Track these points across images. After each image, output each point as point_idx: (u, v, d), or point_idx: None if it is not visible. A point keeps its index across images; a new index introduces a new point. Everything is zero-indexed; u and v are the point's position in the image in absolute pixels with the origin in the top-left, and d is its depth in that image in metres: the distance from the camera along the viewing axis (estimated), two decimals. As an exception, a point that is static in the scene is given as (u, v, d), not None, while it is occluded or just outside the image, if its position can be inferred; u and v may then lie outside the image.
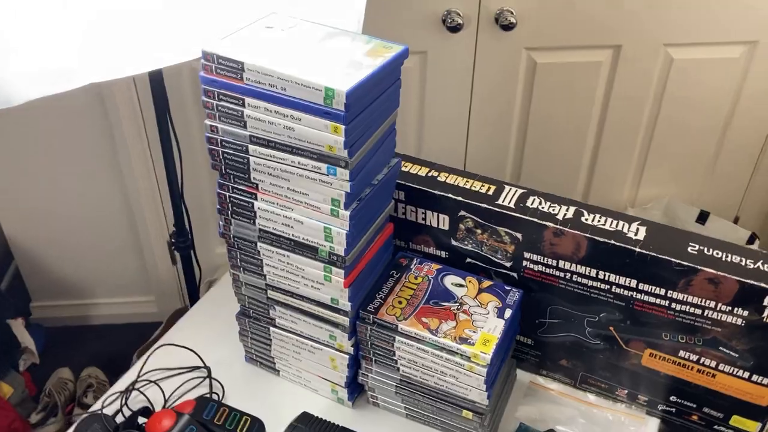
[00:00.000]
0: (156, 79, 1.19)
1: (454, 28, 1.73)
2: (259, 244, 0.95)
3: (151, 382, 1.08)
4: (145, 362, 1.10)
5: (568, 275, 0.97)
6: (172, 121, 1.25)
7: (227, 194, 0.92)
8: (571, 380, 1.09)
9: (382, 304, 0.98)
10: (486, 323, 0.95)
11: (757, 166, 2.05)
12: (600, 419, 1.05)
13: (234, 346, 1.14)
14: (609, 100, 1.90)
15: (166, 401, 1.06)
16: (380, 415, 1.07)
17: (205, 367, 1.11)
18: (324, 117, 0.77)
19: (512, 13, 1.73)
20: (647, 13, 1.76)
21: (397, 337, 0.95)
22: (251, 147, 0.85)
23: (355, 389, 1.07)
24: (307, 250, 0.91)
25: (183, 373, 1.10)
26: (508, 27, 1.74)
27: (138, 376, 1.09)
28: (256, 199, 0.90)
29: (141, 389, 1.08)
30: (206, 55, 0.81)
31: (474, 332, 0.94)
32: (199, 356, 1.11)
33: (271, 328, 1.05)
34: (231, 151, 0.87)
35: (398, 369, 0.99)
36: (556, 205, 0.98)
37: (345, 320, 0.97)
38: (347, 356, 1.01)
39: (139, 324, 2.28)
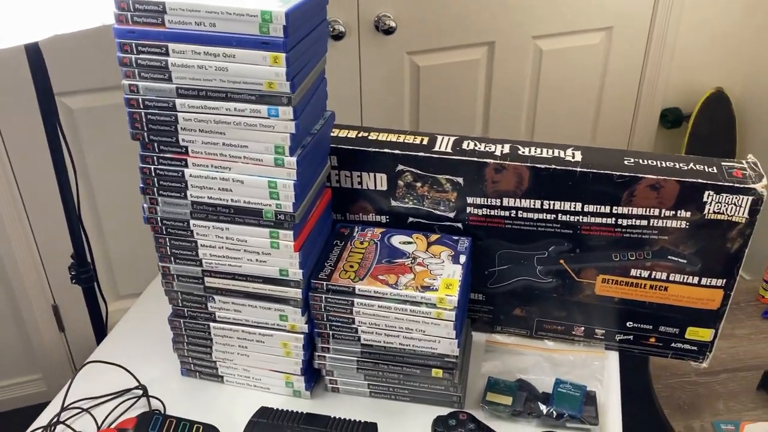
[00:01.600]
0: (41, 81, 1.08)
1: (337, 36, 1.74)
2: (192, 222, 0.87)
3: (83, 410, 0.94)
4: (67, 391, 0.96)
5: (513, 212, 0.97)
6: (62, 129, 1.14)
7: (152, 167, 0.83)
8: (527, 330, 1.07)
9: (333, 271, 0.92)
10: (444, 270, 0.92)
11: (631, 141, 2.20)
12: (563, 361, 1.03)
13: (167, 361, 1.03)
14: (490, 94, 1.97)
15: (99, 429, 0.92)
16: (342, 400, 0.99)
17: (141, 385, 0.98)
18: (261, 48, 0.72)
19: (390, 17, 1.77)
20: (515, 9, 1.87)
21: (356, 300, 0.89)
22: (179, 101, 0.78)
23: (312, 377, 0.99)
24: (250, 215, 0.84)
25: (114, 397, 0.97)
26: (388, 31, 1.77)
27: (62, 408, 0.94)
28: (186, 165, 0.82)
29: (67, 422, 0.93)
30: (120, 2, 0.74)
31: (434, 279, 0.90)
32: (132, 374, 0.98)
33: (211, 325, 0.95)
34: (155, 111, 0.79)
35: (359, 339, 0.93)
36: (491, 144, 0.97)
37: (297, 293, 0.89)
38: (302, 336, 0.93)
39: (26, 408, 2.02)
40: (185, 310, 0.95)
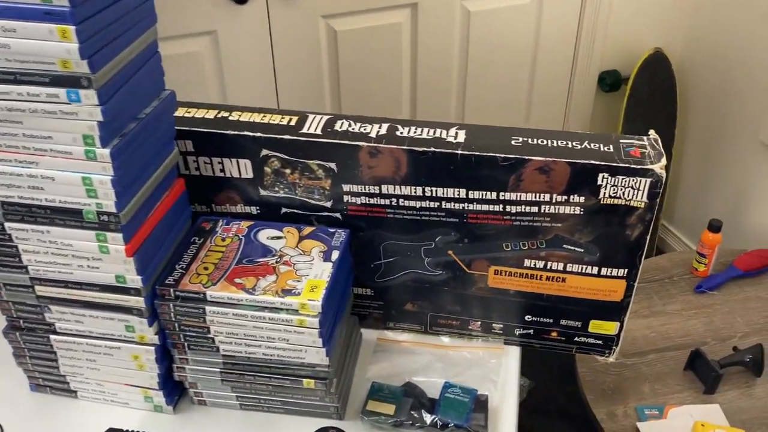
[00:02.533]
0: None
1: (241, 0, 1.60)
2: (7, 225, 0.74)
3: None
4: None
5: (394, 201, 0.86)
6: None
7: (-53, 163, 0.71)
8: (421, 326, 0.98)
9: (184, 275, 0.80)
10: (311, 270, 0.81)
11: (568, 106, 2.10)
12: (458, 360, 0.94)
13: (15, 376, 0.91)
14: (417, 61, 1.85)
15: None
16: (210, 414, 0.89)
17: (-26, 406, 0.86)
18: (45, 20, 0.60)
19: (300, -23, 1.63)
20: (436, -33, 1.74)
21: (208, 308, 0.78)
22: (-40, 86, 0.65)
23: (174, 390, 0.88)
24: (69, 216, 0.72)
25: (-57, 421, 0.85)
26: (298, -7, 1.63)
27: None
28: (-14, 161, 0.70)
29: None
30: None
31: (298, 281, 0.79)
32: (-38, 394, 0.87)
33: (52, 337, 0.84)
34: (-66, 98, 0.66)
35: (218, 349, 0.82)
36: (367, 124, 0.86)
37: (139, 301, 0.78)
38: (153, 348, 0.82)
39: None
40: (21, 321, 0.84)
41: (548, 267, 0.87)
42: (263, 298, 0.77)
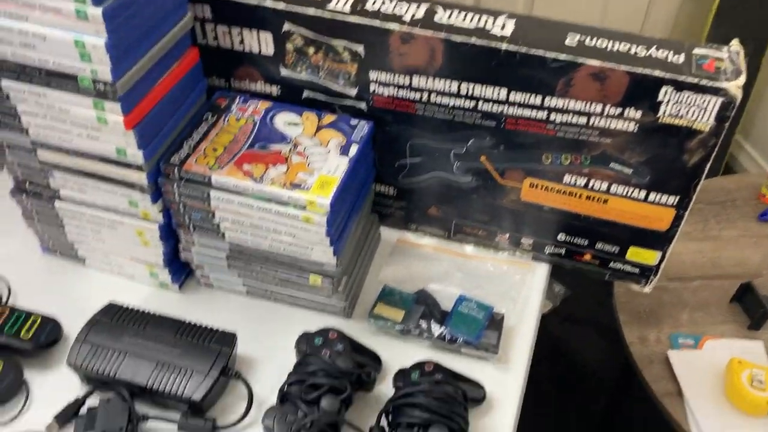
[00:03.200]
0: None
1: None
2: (3, 82, 0.69)
3: None
4: None
5: (426, 96, 0.77)
6: None
7: (-63, 10, 0.65)
8: (445, 231, 0.91)
9: (191, 154, 0.75)
10: (325, 164, 0.74)
11: (650, 4, 1.89)
12: (480, 271, 0.88)
13: (27, 235, 0.90)
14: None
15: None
16: (216, 296, 0.86)
17: (-17, 264, 0.86)
18: None
19: None
20: None
21: (212, 192, 0.73)
22: None
23: (181, 269, 0.86)
24: (65, 80, 0.66)
25: (-50, 275, 0.85)
26: None
27: None
28: (-25, 10, 0.63)
29: None
30: None
31: (310, 175, 0.73)
32: (-30, 251, 0.86)
33: (57, 203, 0.81)
34: None
35: (223, 235, 0.78)
36: (403, 3, 0.76)
37: (141, 177, 0.73)
38: (156, 226, 0.78)
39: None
40: (26, 183, 0.81)
41: (590, 186, 0.78)
42: (270, 189, 0.72)
